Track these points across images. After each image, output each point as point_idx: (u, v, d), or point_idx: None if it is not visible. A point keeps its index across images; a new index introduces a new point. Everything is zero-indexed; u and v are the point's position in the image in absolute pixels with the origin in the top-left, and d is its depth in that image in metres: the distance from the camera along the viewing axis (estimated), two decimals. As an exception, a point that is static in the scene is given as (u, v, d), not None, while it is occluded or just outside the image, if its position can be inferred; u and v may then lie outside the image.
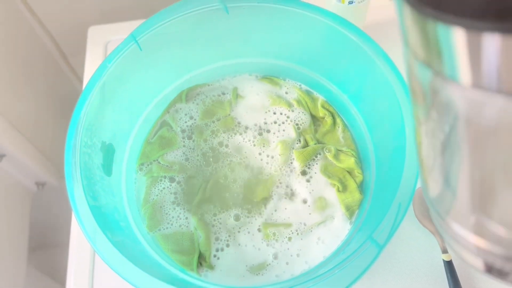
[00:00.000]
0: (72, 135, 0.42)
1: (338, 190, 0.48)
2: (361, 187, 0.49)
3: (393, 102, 0.42)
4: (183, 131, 0.53)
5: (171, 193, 0.49)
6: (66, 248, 0.52)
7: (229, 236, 0.46)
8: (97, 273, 0.50)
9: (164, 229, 0.47)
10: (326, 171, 0.49)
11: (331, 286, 0.35)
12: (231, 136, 0.52)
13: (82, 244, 0.52)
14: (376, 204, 0.44)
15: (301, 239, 0.46)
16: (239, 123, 0.53)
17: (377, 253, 0.35)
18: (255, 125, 0.53)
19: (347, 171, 0.50)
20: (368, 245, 0.36)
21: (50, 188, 0.85)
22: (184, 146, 0.52)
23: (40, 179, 0.81)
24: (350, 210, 0.47)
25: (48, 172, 0.81)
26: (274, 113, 0.54)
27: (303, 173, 0.50)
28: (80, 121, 0.43)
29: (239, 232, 0.47)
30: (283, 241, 0.46)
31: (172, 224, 0.47)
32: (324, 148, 0.51)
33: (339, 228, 0.47)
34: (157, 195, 0.49)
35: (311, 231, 0.46)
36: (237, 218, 0.48)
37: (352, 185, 0.48)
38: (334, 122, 0.53)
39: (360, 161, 0.50)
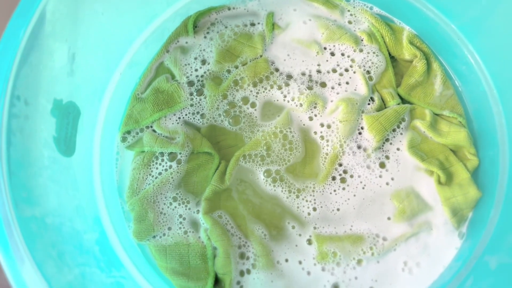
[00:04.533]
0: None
1: (439, 182, 0.30)
2: (476, 177, 0.30)
3: None
4: (190, 82, 0.34)
5: (171, 180, 0.31)
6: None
7: (261, 250, 0.29)
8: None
9: (160, 236, 0.30)
10: (417, 149, 0.31)
11: None
12: (264, 89, 0.34)
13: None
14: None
15: (378, 261, 0.29)
16: (276, 69, 0.34)
17: None
18: (303, 73, 0.34)
19: (452, 150, 0.31)
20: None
21: None
22: (192, 105, 0.33)
23: None
24: (458, 215, 0.29)
25: None
26: (332, 54, 0.34)
27: (379, 151, 0.31)
28: (8, 66, 0.25)
29: (276, 244, 0.30)
30: (348, 265, 0.29)
31: (171, 230, 0.30)
32: (413, 111, 0.32)
33: (441, 245, 0.29)
34: (149, 183, 0.31)
35: (395, 249, 0.29)
36: (272, 222, 0.30)
37: (462, 173, 0.30)
38: (429, 69, 0.33)
39: (473, 135, 0.31)
